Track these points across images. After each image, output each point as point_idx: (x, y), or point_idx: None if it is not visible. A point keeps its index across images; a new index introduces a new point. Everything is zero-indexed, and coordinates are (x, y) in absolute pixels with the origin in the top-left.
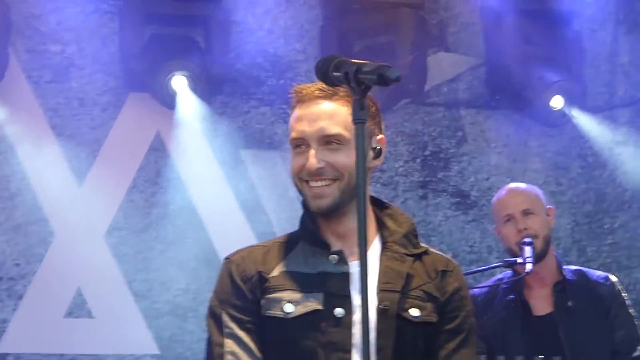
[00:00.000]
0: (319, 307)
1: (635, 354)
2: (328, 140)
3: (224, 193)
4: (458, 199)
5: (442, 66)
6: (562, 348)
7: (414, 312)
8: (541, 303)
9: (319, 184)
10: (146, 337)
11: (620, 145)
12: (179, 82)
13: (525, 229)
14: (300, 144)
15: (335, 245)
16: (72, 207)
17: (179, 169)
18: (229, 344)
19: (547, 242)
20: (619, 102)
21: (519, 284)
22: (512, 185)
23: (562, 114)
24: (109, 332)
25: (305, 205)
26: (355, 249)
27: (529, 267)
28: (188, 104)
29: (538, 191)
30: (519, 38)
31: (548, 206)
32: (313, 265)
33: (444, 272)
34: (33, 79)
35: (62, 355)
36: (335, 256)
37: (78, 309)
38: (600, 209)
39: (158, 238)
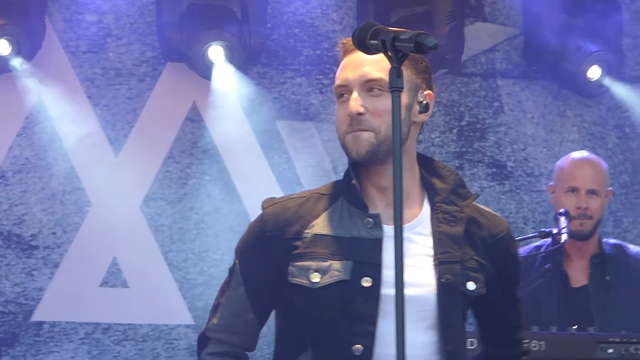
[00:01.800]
0: (346, 277)
1: None
2: (370, 86)
3: (260, 164)
4: (494, 170)
5: (479, 36)
6: (594, 320)
7: (471, 285)
8: (579, 274)
9: (357, 133)
10: (181, 307)
11: None
12: (216, 53)
13: (586, 208)
14: (343, 92)
15: (376, 203)
16: (109, 177)
17: (215, 139)
18: (228, 296)
19: (598, 224)
20: None
21: (557, 253)
22: (586, 155)
23: (599, 84)
24: (143, 301)
25: (349, 159)
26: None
27: (564, 237)
28: (224, 74)
29: (606, 170)
30: (557, 8)
31: (609, 188)
32: (347, 228)
33: (501, 239)
34: (70, 49)
35: (97, 324)
36: (370, 220)
37: (113, 278)
38: (637, 180)
39: (194, 209)
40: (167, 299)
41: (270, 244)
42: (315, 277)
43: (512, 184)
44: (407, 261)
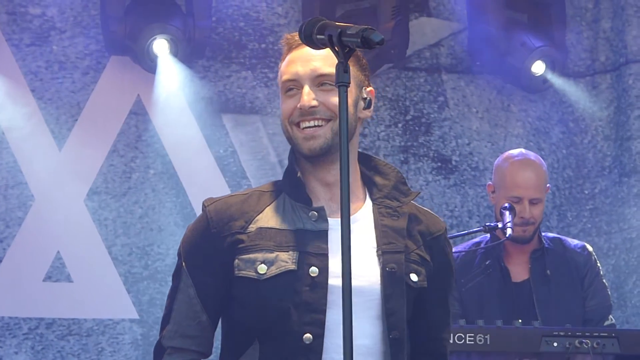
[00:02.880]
0: (293, 267)
1: (607, 322)
2: (321, 81)
3: (205, 158)
4: (439, 164)
5: (424, 31)
6: (537, 314)
7: (413, 277)
8: (519, 269)
9: (312, 123)
10: (125, 301)
11: (602, 111)
12: (160, 46)
13: (530, 217)
14: (292, 86)
15: (321, 198)
16: (52, 171)
17: (159, 133)
18: (179, 300)
19: (539, 225)
20: (601, 68)
21: (497, 249)
22: (526, 156)
23: (543, 79)
24: (88, 296)
25: (293, 153)
26: (339, 205)
27: (508, 232)
28: (169, 68)
29: (546, 170)
30: (501, 3)
31: (547, 184)
32: (291, 222)
33: (439, 237)
34: (13, 42)
35: (41, 319)
36: (315, 213)
37: (57, 273)
38: (581, 175)
39: (138, 203)
40: (112, 294)
41: (215, 240)
42: (262, 269)
43: (457, 178)
44: (352, 252)
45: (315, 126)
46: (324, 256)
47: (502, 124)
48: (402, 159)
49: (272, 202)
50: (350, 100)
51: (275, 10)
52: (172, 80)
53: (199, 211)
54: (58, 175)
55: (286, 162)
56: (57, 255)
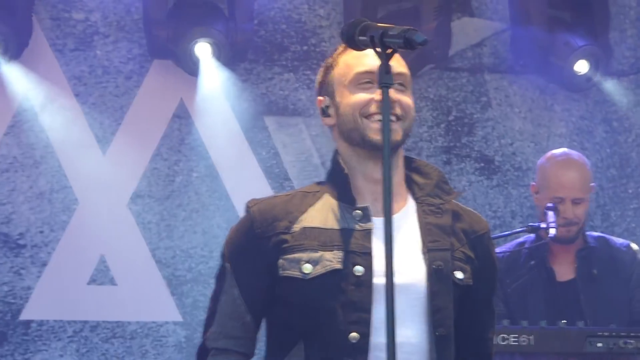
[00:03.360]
0: (338, 266)
1: None
2: (396, 80)
3: (248, 160)
4: (482, 164)
5: (466, 31)
6: (583, 314)
7: (459, 274)
8: (564, 269)
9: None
10: (169, 304)
11: None
12: (203, 49)
13: (573, 217)
14: (369, 79)
15: (366, 197)
16: (96, 175)
17: (202, 136)
18: (223, 301)
19: (583, 225)
20: None
21: (541, 249)
22: (569, 156)
23: (586, 78)
24: (131, 299)
25: (337, 153)
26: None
27: (552, 232)
28: (211, 71)
29: (589, 169)
30: (543, 2)
31: (592, 184)
32: (335, 221)
33: (482, 235)
34: (57, 47)
35: (85, 322)
36: (359, 212)
37: (101, 276)
38: (625, 174)
39: (181, 206)
40: (155, 296)
41: (260, 241)
42: (307, 268)
43: (500, 178)
44: (398, 250)
45: (391, 121)
46: (369, 255)
47: (545, 123)
48: (445, 159)
49: (315, 202)
50: (412, 103)
51: (317, 12)
52: (214, 84)
53: (242, 214)
54: (102, 179)
55: (329, 164)
56: (102, 258)
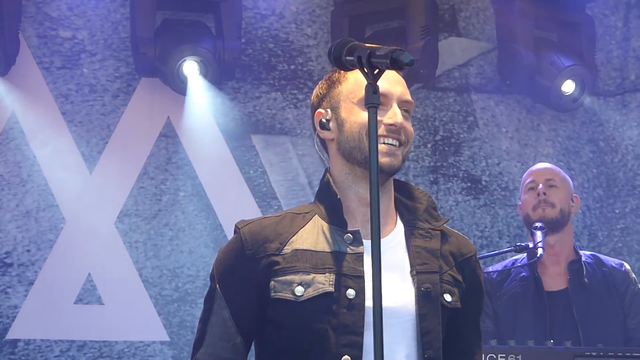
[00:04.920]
0: (330, 289)
1: None
2: (404, 107)
3: (235, 179)
4: (469, 184)
5: (453, 51)
6: (576, 324)
7: (447, 297)
8: (554, 279)
9: (394, 142)
10: (156, 324)
11: (632, 130)
12: (190, 68)
13: (544, 193)
14: (381, 100)
15: (357, 219)
16: (83, 194)
17: (189, 155)
18: (213, 323)
19: (564, 216)
20: (630, 86)
21: (533, 263)
22: (543, 163)
23: (573, 98)
24: (118, 318)
25: (329, 174)
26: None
27: (540, 251)
28: (199, 89)
29: (566, 175)
30: (530, 23)
31: (574, 194)
32: (327, 244)
33: (470, 258)
34: (44, 65)
35: (72, 341)
36: (350, 235)
37: (88, 295)
38: (611, 194)
39: (168, 225)
40: (142, 316)
41: (250, 262)
42: (299, 291)
43: (487, 198)
44: (386, 274)
45: (394, 145)
46: (360, 278)
47: (532, 143)
48: (432, 179)
49: (305, 223)
50: (412, 131)
51: (304, 32)
52: (202, 102)
53: (229, 233)
54: (89, 197)
55: (316, 183)
56: (88, 277)
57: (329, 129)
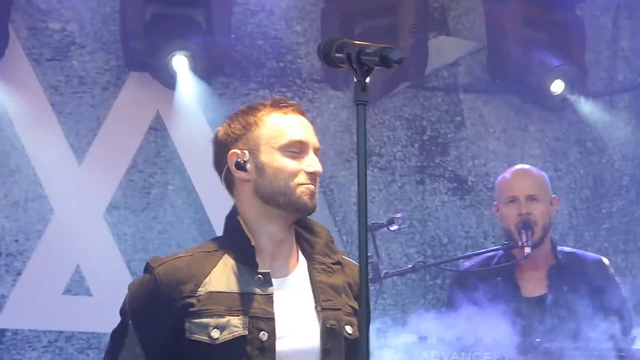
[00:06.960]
0: (245, 332)
1: (630, 337)
2: (316, 153)
3: None
4: (455, 184)
5: (442, 50)
6: (556, 329)
7: (349, 329)
8: (533, 285)
9: (313, 186)
10: None
11: (619, 130)
12: (180, 62)
13: (527, 213)
14: (299, 149)
15: (265, 257)
16: (72, 185)
17: (178, 149)
18: (124, 356)
19: (546, 231)
20: (619, 87)
21: (510, 265)
22: (521, 167)
23: (562, 98)
24: (106, 310)
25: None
26: (283, 264)
27: (527, 250)
28: (188, 84)
29: (545, 178)
30: (520, 22)
31: (553, 195)
32: (238, 284)
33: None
34: (33, 57)
35: (60, 332)
36: (261, 277)
37: (76, 286)
38: (598, 194)
39: (157, 218)
40: None
41: (166, 303)
42: (215, 333)
43: (472, 198)
44: (293, 312)
45: (313, 188)
46: (272, 320)
47: (519, 144)
48: (418, 179)
49: (217, 263)
50: None
51: (294, 29)
52: (191, 96)
53: (217, 227)
54: (78, 189)
55: None
56: (77, 268)
57: (245, 170)
